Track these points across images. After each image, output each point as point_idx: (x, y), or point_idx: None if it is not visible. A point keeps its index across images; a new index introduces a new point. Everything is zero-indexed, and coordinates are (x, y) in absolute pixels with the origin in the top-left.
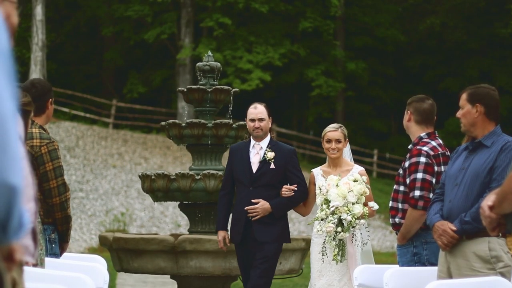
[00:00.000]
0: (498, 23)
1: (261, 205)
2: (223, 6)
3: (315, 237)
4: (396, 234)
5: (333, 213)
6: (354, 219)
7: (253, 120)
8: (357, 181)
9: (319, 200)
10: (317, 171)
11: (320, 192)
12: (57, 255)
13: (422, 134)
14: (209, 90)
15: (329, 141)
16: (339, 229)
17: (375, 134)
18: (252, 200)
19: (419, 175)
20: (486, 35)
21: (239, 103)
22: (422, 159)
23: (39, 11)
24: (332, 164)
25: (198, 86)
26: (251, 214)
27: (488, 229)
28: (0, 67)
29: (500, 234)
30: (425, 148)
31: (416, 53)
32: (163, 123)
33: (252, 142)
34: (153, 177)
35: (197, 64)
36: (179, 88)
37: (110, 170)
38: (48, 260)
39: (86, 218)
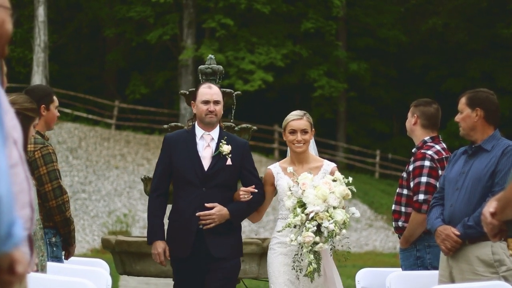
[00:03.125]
0: (500, 23)
1: (218, 211)
2: (225, 7)
3: (278, 246)
4: (399, 237)
5: (311, 219)
6: (337, 227)
7: (207, 102)
8: (336, 180)
9: (290, 202)
10: (276, 169)
11: (291, 193)
12: (59, 258)
13: (426, 138)
14: None
15: (293, 132)
16: (317, 239)
17: (377, 134)
18: (206, 205)
19: (424, 179)
20: (488, 35)
21: (242, 104)
22: (427, 163)
23: (41, 13)
24: (297, 160)
25: None
26: (204, 222)
27: (489, 235)
28: None
29: (503, 239)
30: (429, 152)
31: (418, 53)
32: (165, 126)
33: (200, 131)
34: None
35: (199, 67)
36: (182, 91)
37: (113, 171)
38: (50, 264)
39: (88, 219)
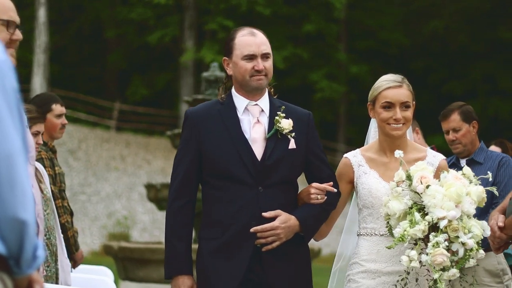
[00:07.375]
0: (502, 26)
1: (283, 222)
2: (226, 9)
3: (362, 277)
4: None
5: (437, 229)
6: (476, 245)
7: (252, 58)
8: (465, 178)
9: (401, 205)
10: (357, 158)
11: (402, 190)
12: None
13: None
14: None
15: (389, 106)
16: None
17: None
18: (264, 214)
19: None
20: (490, 38)
21: None
22: None
23: (42, 14)
24: (390, 148)
25: (203, 96)
26: (264, 240)
27: (493, 248)
28: (6, 105)
29: None
30: None
31: (419, 56)
32: (168, 132)
33: (242, 101)
34: (158, 187)
35: (203, 74)
36: (185, 98)
37: (113, 173)
38: None
39: (88, 221)
